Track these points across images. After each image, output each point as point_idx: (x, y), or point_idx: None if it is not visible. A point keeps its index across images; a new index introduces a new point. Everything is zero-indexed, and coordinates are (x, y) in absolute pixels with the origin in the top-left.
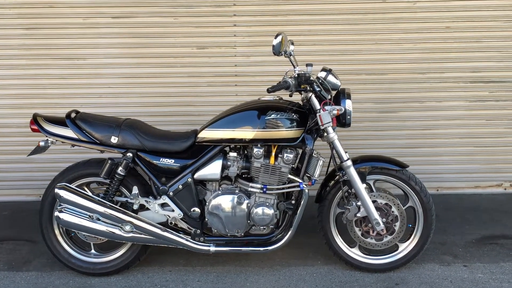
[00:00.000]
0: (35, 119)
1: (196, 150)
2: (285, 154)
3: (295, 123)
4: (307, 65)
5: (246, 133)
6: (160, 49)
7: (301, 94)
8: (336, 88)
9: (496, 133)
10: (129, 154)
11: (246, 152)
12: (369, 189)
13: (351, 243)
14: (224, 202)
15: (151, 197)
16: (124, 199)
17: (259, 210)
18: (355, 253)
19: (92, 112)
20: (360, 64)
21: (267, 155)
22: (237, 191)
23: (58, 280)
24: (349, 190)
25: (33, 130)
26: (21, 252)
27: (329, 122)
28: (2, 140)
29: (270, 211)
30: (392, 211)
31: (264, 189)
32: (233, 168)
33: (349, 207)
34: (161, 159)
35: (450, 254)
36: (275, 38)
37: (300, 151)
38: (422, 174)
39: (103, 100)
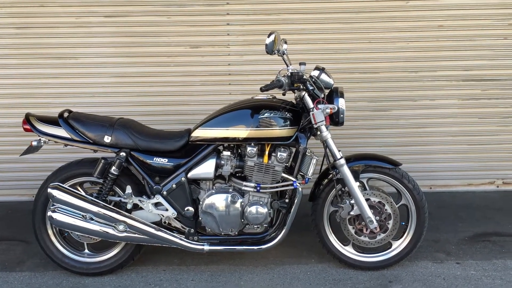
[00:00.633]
0: (27, 119)
1: (190, 149)
2: (279, 153)
3: (288, 122)
4: (300, 64)
5: (240, 132)
6: (153, 48)
7: (294, 93)
8: (329, 87)
9: (489, 131)
10: (123, 154)
11: (239, 151)
12: (363, 187)
13: (344, 241)
14: (218, 201)
15: (144, 197)
16: (117, 199)
17: (252, 209)
18: (348, 251)
19: (85, 112)
20: (353, 63)
21: (260, 154)
22: (231, 190)
23: (51, 280)
24: (343, 189)
25: (26, 129)
26: (14, 252)
27: (322, 121)
28: None
29: (263, 210)
30: (385, 209)
31: (258, 188)
32: (227, 167)
33: (343, 206)
34: (155, 158)
35: (443, 251)
36: (268, 37)
37: (294, 149)
38: (415, 172)
39: (95, 100)
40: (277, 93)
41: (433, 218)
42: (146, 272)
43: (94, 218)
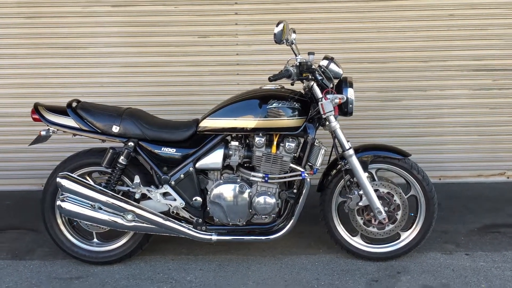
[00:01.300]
0: (36, 109)
1: (198, 139)
2: (287, 143)
3: (296, 112)
4: (309, 53)
5: (248, 122)
6: (161, 38)
7: (303, 82)
8: (338, 77)
9: (500, 121)
10: (131, 144)
11: (247, 141)
12: (371, 178)
13: (353, 232)
14: (226, 191)
15: (152, 187)
16: (126, 188)
17: (260, 199)
18: (357, 242)
19: (93, 102)
20: (362, 53)
21: (268, 144)
22: (238, 180)
23: (61, 269)
24: (351, 179)
25: (34, 119)
26: (24, 241)
27: (331, 111)
28: (3, 130)
29: (271, 200)
30: (394, 200)
31: (266, 178)
32: (235, 157)
33: (351, 196)
34: (163, 148)
35: (452, 242)
36: (277, 26)
37: (302, 140)
38: (425, 163)
39: (104, 90)
40: (286, 83)
41: (442, 209)
42: (155, 261)
43: (102, 207)
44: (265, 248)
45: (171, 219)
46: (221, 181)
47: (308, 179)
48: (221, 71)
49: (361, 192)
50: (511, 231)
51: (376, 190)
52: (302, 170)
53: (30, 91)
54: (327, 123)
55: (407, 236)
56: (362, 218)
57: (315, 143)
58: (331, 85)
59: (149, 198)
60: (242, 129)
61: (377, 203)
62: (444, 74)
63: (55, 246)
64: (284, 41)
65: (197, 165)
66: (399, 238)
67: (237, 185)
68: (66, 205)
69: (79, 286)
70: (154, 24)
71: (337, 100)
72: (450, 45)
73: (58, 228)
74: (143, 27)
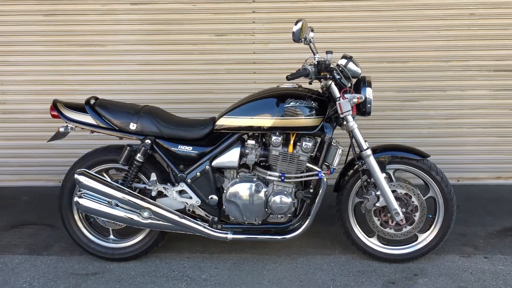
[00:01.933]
0: (55, 105)
1: (214, 138)
2: (304, 143)
3: (314, 111)
4: (327, 52)
5: (265, 120)
6: (179, 35)
7: (321, 82)
8: (357, 76)
9: None
10: (148, 141)
11: (264, 140)
12: (389, 179)
13: (369, 232)
14: (242, 190)
15: (169, 184)
16: (142, 186)
17: (277, 199)
18: (373, 243)
19: (110, 99)
20: (381, 52)
21: (285, 143)
22: (255, 179)
23: (77, 265)
24: (368, 180)
25: (53, 116)
26: (41, 236)
27: (349, 111)
28: (22, 126)
29: (288, 200)
30: (412, 201)
31: (282, 178)
32: (251, 156)
33: (368, 197)
34: (179, 146)
35: (471, 245)
36: (295, 24)
37: (319, 139)
38: (443, 164)
39: (121, 87)
40: (303, 82)
41: (460, 211)
42: (170, 258)
43: (119, 204)
44: (280, 248)
45: (187, 217)
46: (237, 180)
47: (325, 179)
48: (237, 70)
49: (378, 192)
50: None
51: (393, 191)
52: (319, 169)
53: (48, 88)
54: (345, 122)
55: (424, 238)
56: (379, 219)
57: (332, 143)
58: (349, 84)
59: (165, 195)
60: (259, 128)
61: (395, 204)
62: (464, 74)
63: (72, 242)
64: (302, 39)
65: (214, 163)
66: (416, 240)
67: (253, 184)
68: (84, 202)
69: (95, 282)
70: (172, 22)
71: (355, 100)
72: (470, 44)
73: (75, 224)
74: (161, 25)
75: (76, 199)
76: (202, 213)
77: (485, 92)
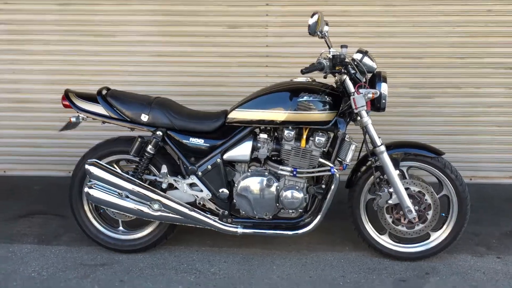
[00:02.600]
0: (67, 95)
1: (226, 131)
2: (317, 138)
3: (327, 106)
4: (341, 46)
5: (278, 114)
6: (191, 27)
7: (335, 76)
8: (372, 71)
9: None
10: (159, 133)
11: (276, 134)
12: (402, 176)
13: (381, 230)
14: (253, 184)
15: (179, 177)
16: (153, 178)
17: (288, 193)
18: (384, 241)
19: (122, 90)
20: (396, 47)
21: (298, 137)
22: (266, 173)
23: (86, 255)
24: (381, 176)
25: (65, 106)
26: (51, 226)
27: (363, 106)
28: (34, 115)
29: (299, 195)
30: (425, 199)
31: (294, 172)
32: (263, 150)
33: (381, 194)
34: (191, 138)
35: (484, 245)
36: (311, 17)
37: (332, 134)
38: (456, 162)
39: (133, 78)
40: (317, 76)
41: (473, 210)
42: (179, 251)
43: (129, 196)
44: (290, 243)
45: (197, 210)
46: (249, 174)
47: (337, 175)
48: (250, 63)
49: (391, 190)
50: None
51: (406, 189)
52: (331, 165)
53: (60, 78)
54: (359, 118)
55: (437, 237)
56: (391, 217)
57: (345, 138)
58: (364, 79)
59: (176, 188)
60: (272, 122)
61: (408, 202)
62: (480, 71)
63: (81, 233)
64: (318, 32)
65: (225, 156)
66: (428, 238)
67: (265, 178)
68: (94, 192)
69: (104, 273)
70: (184, 13)
71: (370, 95)
72: (487, 41)
73: (85, 215)
74: (174, 16)
75: (86, 189)
76: (212, 206)
77: (500, 90)
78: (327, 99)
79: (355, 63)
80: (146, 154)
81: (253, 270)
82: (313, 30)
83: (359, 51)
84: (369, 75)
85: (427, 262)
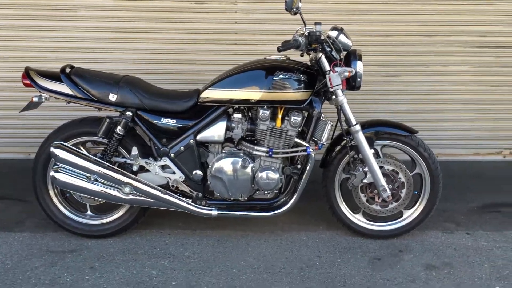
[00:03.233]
0: (27, 73)
1: (199, 111)
2: (292, 117)
3: (303, 85)
4: (315, 23)
5: (252, 93)
6: (157, 2)
7: (309, 54)
8: (347, 49)
9: (500, 100)
10: (129, 113)
11: (250, 114)
12: (376, 155)
13: (355, 209)
14: (228, 165)
15: (151, 159)
16: (122, 160)
17: (264, 174)
18: (359, 219)
19: (87, 68)
20: (366, 25)
21: (273, 117)
22: (241, 154)
23: (52, 242)
24: (356, 156)
25: (25, 85)
26: (12, 211)
27: (339, 85)
28: None
29: (275, 176)
30: (399, 178)
31: (270, 153)
32: (238, 130)
33: (356, 173)
34: (162, 119)
35: (453, 221)
36: None
37: (306, 114)
38: (423, 140)
39: (95, 55)
40: (292, 54)
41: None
42: (151, 235)
43: (98, 179)
44: (264, 224)
45: (170, 193)
46: (223, 155)
47: (313, 155)
48: (218, 40)
49: (366, 169)
50: (510, 211)
51: (381, 167)
52: (307, 145)
53: (17, 55)
54: (333, 97)
55: (409, 215)
56: (365, 196)
57: (321, 118)
58: (340, 58)
59: (147, 170)
60: (246, 101)
61: (382, 181)
62: (448, 49)
63: (46, 218)
64: (294, 9)
65: (198, 137)
66: (401, 217)
67: (240, 159)
68: (61, 176)
69: (72, 260)
70: None
71: (346, 73)
72: (455, 20)
73: (50, 199)
74: None
75: (52, 173)
76: (186, 189)
77: (467, 68)
78: (302, 77)
79: (331, 40)
80: (115, 135)
81: (228, 252)
82: (289, 6)
83: (334, 29)
84: (344, 53)
85: (400, 240)
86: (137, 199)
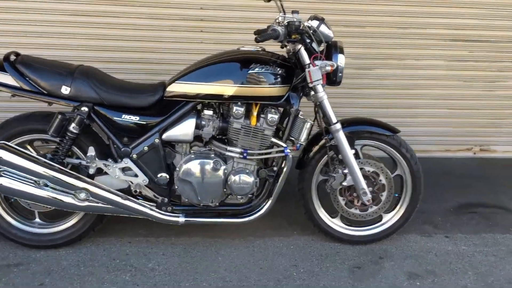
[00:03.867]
0: None
1: (165, 106)
2: (269, 115)
3: (279, 79)
4: (292, 12)
5: (225, 88)
6: None
7: (286, 46)
8: (329, 40)
9: (471, 95)
10: (84, 109)
11: (222, 110)
12: (356, 155)
13: (332, 213)
14: (198, 167)
15: (110, 160)
16: (77, 161)
17: (237, 178)
18: (336, 224)
19: (32, 55)
20: (339, 15)
21: (247, 114)
22: (212, 155)
23: None
24: (334, 156)
25: None
26: None
27: (319, 80)
28: None
29: (250, 179)
30: (380, 180)
31: (245, 154)
32: (208, 129)
33: (335, 175)
34: (123, 115)
35: (430, 223)
36: None
37: (282, 110)
38: None
39: (44, 41)
40: (268, 45)
41: None
42: (109, 244)
43: (49, 184)
44: (233, 229)
45: (131, 198)
46: (192, 156)
47: (290, 156)
48: (183, 27)
49: (346, 170)
50: (487, 212)
51: (361, 169)
52: (284, 145)
53: None
54: (312, 92)
55: (389, 219)
56: (344, 199)
57: (299, 115)
58: (321, 50)
59: (105, 173)
60: (218, 96)
61: (363, 183)
62: (421, 42)
63: None
64: None
65: (164, 136)
66: (380, 220)
67: (211, 161)
68: (4, 181)
69: (18, 275)
70: None
71: (328, 68)
72: (430, 11)
73: None
74: None
75: None
76: (149, 193)
77: (440, 62)
78: (279, 71)
79: (311, 31)
80: (69, 134)
81: (196, 262)
82: None
83: (314, 18)
84: (323, 45)
85: (379, 245)
86: (94, 206)
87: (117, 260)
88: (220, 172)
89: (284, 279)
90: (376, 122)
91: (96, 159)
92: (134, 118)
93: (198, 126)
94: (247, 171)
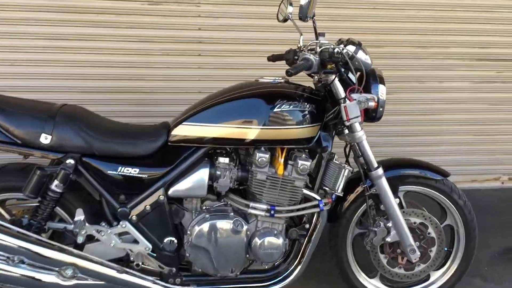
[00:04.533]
0: None
1: (170, 154)
2: (300, 162)
3: (309, 117)
4: (319, 34)
5: (246, 130)
6: (99, 2)
7: (312, 77)
8: (368, 69)
9: (499, 119)
10: (70, 161)
11: (240, 157)
12: (400, 205)
13: (369, 271)
14: (214, 230)
15: (103, 224)
16: (61, 226)
17: (264, 241)
18: (375, 286)
19: (4, 92)
20: (355, 33)
21: (270, 161)
22: (231, 213)
23: None
24: (374, 206)
25: None
26: None
27: (358, 117)
28: None
29: (279, 241)
30: (428, 233)
31: (272, 212)
32: (224, 180)
33: (376, 229)
34: (119, 167)
35: (478, 275)
36: None
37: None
38: None
39: (17, 69)
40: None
41: None
42: None
43: (25, 260)
44: None
45: (129, 270)
46: (207, 215)
47: (325, 210)
48: (178, 50)
49: (389, 224)
50: None
51: (406, 220)
52: (319, 198)
53: None
54: (346, 131)
55: (438, 277)
56: (386, 257)
57: (334, 160)
58: (360, 81)
59: (97, 240)
60: (238, 141)
61: (410, 239)
62: (445, 63)
63: None
64: (309, 18)
65: (171, 191)
66: (427, 279)
67: (231, 222)
68: None
69: None
70: None
71: (371, 103)
72: (453, 28)
73: None
74: None
75: None
76: (153, 263)
77: (465, 84)
78: (308, 107)
79: (348, 58)
80: (50, 194)
81: None
82: (305, 14)
83: (351, 43)
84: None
85: None
86: (83, 284)
87: None
88: (242, 234)
89: None
90: (422, 164)
91: (86, 224)
92: (133, 171)
93: (211, 177)
94: (275, 232)
